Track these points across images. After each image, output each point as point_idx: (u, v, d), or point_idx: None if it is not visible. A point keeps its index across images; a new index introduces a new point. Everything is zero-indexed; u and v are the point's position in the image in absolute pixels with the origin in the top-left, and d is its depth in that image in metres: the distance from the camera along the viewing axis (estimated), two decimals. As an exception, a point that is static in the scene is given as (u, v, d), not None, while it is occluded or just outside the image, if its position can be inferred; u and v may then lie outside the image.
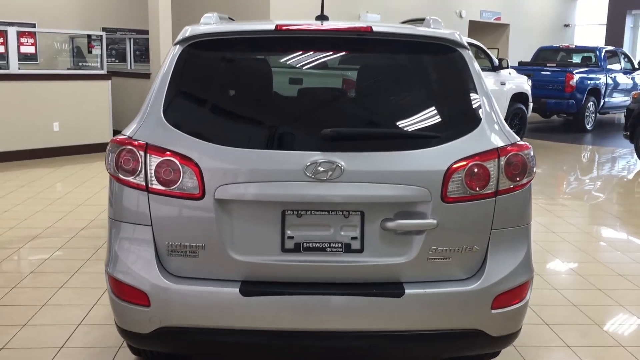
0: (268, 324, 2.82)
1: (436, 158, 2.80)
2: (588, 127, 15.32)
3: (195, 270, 2.85)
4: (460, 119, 2.96)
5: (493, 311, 2.88)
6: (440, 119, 2.97)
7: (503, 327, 2.96)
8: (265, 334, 2.84)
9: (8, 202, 7.18)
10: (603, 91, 15.55)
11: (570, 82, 14.62)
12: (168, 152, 2.78)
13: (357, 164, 2.75)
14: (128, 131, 2.92)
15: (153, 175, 2.79)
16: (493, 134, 2.90)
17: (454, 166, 2.78)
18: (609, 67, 15.94)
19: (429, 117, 2.95)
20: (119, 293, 2.91)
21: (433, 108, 3.00)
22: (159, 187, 2.79)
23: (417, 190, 2.76)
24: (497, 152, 2.84)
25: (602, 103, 15.70)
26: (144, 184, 2.80)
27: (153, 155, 2.79)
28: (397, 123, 2.94)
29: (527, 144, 2.96)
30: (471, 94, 2.97)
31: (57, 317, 4.17)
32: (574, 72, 14.82)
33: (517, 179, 2.87)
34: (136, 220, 2.85)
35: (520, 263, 2.94)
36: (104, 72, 10.86)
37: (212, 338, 2.87)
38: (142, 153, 2.81)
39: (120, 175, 2.84)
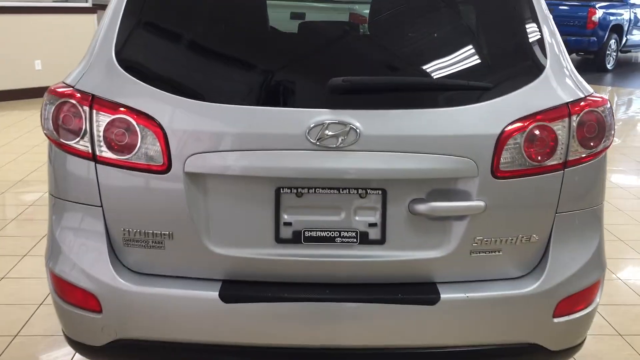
0: (257, 339, 2.13)
1: (485, 118, 2.06)
2: (609, 66, 14.40)
3: (160, 267, 2.16)
4: (517, 64, 2.20)
5: (555, 320, 2.19)
6: (489, 64, 2.21)
7: (565, 340, 2.28)
8: (254, 352, 2.16)
9: (-22, 149, 6.48)
10: (626, 28, 14.58)
11: (593, 18, 13.64)
12: (121, 108, 2.04)
13: (378, 126, 2.01)
14: (69, 78, 2.18)
15: (102, 139, 2.05)
16: (561, 84, 2.15)
17: (510, 129, 2.04)
18: (632, 1, 14.91)
19: (473, 61, 2.19)
20: (63, 294, 2.22)
21: (479, 49, 2.24)
22: (110, 155, 2.06)
23: (459, 162, 2.03)
24: (567, 108, 2.09)
25: (624, 41, 14.75)
26: (89, 150, 2.07)
27: (101, 112, 2.05)
28: (431, 70, 2.18)
29: (604, 97, 2.20)
30: (531, 30, 2.20)
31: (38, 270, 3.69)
32: (597, 6, 13.83)
33: (592, 144, 2.13)
34: (82, 200, 2.13)
35: (592, 256, 2.23)
36: (89, 4, 10.02)
37: (184, 356, 2.19)
38: (86, 109, 2.06)
39: (60, 139, 2.10)
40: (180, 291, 2.11)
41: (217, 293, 2.08)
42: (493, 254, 2.14)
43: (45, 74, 9.32)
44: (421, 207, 2.07)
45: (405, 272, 2.15)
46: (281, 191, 2.07)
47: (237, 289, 2.12)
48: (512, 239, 2.13)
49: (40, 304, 3.42)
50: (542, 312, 2.18)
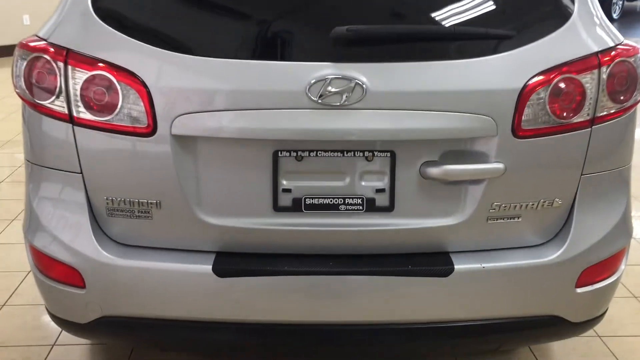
0: (254, 316, 1.96)
1: (505, 71, 1.85)
2: (614, 15, 14.05)
3: (147, 238, 1.97)
4: (541, 10, 1.97)
5: (578, 290, 2.02)
6: (509, 11, 1.99)
7: (587, 311, 2.11)
8: (252, 329, 1.99)
9: (-35, 109, 6.25)
10: (632, -25, 14.22)
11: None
12: (100, 64, 1.83)
13: (386, 81, 1.81)
14: (42, 30, 1.97)
15: (79, 98, 1.85)
16: (590, 31, 1.93)
17: (533, 82, 1.83)
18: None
19: (491, 7, 1.97)
20: (44, 269, 2.04)
21: None
22: (89, 116, 1.85)
23: (476, 121, 1.83)
24: (596, 58, 1.88)
25: (630, -11, 14.40)
26: (65, 111, 1.87)
27: (77, 69, 1.84)
28: (445, 17, 1.95)
29: (636, 45, 1.99)
30: None
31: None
32: (603, -47, 13.42)
33: (622, 98, 1.92)
34: (60, 166, 1.94)
35: (618, 221, 2.05)
36: (78, -45, 9.59)
37: (176, 334, 2.02)
38: (61, 65, 1.85)
39: (34, 98, 1.90)
40: (170, 265, 1.93)
41: (210, 266, 1.91)
42: (512, 220, 1.95)
43: (34, 29, 8.99)
44: (434, 171, 1.87)
45: (416, 242, 1.97)
46: (279, 155, 1.87)
47: (233, 262, 1.94)
48: (532, 204, 1.94)
49: (29, 272, 3.25)
50: (564, 282, 2.00)
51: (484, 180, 1.89)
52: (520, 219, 1.96)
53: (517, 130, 1.85)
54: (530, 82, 1.83)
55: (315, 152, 1.87)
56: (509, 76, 1.84)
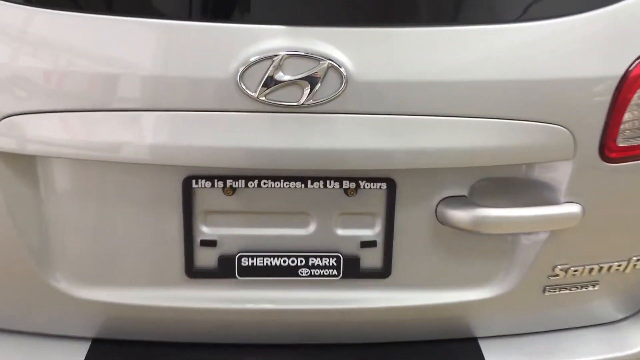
0: None
1: (590, 46, 1.04)
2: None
3: None
4: None
5: None
6: None
7: None
8: None
9: None
10: None
11: None
12: None
13: (381, 62, 0.99)
14: None
15: None
16: None
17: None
18: None
19: None
20: None
21: None
22: None
23: (541, 133, 1.03)
24: None
25: None
26: None
27: None
28: None
29: None
30: None
31: None
32: None
33: None
34: None
35: None
36: None
37: None
38: None
39: None
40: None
41: None
42: (583, 290, 1.19)
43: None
44: (460, 215, 1.08)
45: (426, 326, 1.20)
46: (194, 184, 1.07)
47: (117, 355, 1.16)
48: (619, 264, 1.17)
49: None
50: None
51: (546, 232, 1.11)
52: (596, 287, 1.19)
53: (608, 150, 1.06)
54: (634, 67, 1.03)
55: (256, 181, 1.07)
56: (598, 56, 1.04)
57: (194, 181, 1.06)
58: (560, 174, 1.08)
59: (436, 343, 1.21)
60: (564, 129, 1.03)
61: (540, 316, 1.22)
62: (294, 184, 1.07)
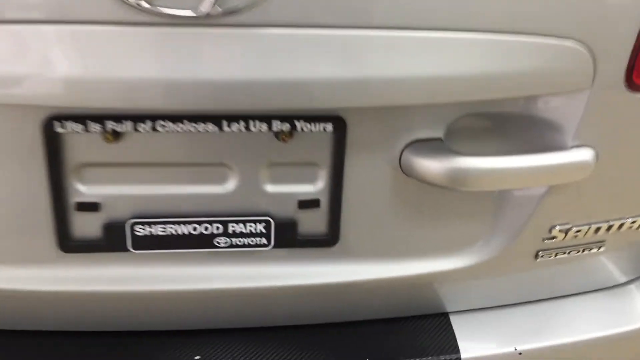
0: None
1: None
2: None
3: None
4: None
5: None
6: None
7: None
8: None
9: None
10: None
11: None
12: None
13: None
14: None
15: None
16: None
17: None
18: None
19: None
20: None
21: None
22: None
23: (548, 52, 0.73)
24: None
25: None
26: None
27: None
28: None
29: None
30: None
31: None
32: None
33: None
34: None
35: None
36: None
37: None
38: None
39: None
40: None
41: None
42: (586, 252, 0.93)
43: None
44: (434, 166, 0.79)
45: (387, 302, 0.93)
46: (58, 127, 0.75)
47: None
48: (633, 220, 0.91)
49: None
50: None
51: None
52: (601, 249, 0.94)
53: (638, 75, 0.77)
54: None
55: (148, 123, 0.75)
56: None
57: (57, 123, 0.74)
58: (571, 109, 0.79)
59: (398, 321, 0.95)
60: (581, 46, 0.74)
61: (531, 284, 0.96)
62: (204, 126, 0.76)
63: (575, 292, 1.00)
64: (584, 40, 0.73)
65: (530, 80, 0.75)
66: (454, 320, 0.95)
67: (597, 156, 0.81)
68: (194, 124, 0.75)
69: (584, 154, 0.80)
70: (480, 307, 0.97)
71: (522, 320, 0.97)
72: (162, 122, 0.75)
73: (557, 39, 0.73)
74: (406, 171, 0.81)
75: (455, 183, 0.78)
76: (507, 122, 0.81)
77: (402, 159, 0.81)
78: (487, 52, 0.72)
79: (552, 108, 0.79)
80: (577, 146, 0.81)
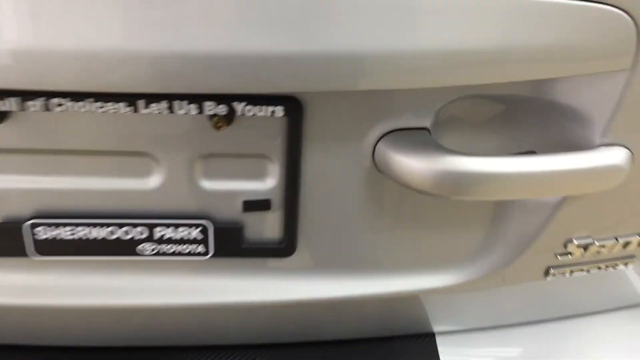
0: None
1: None
2: None
3: None
4: None
5: None
6: None
7: None
8: None
9: None
10: None
11: None
12: None
13: None
14: None
15: None
16: None
17: None
18: None
19: None
20: None
21: None
22: None
23: (578, 22, 0.54)
24: None
25: None
26: None
27: None
28: None
29: None
30: None
31: None
32: None
33: None
34: None
35: None
36: None
37: None
38: None
39: None
40: None
41: None
42: (610, 269, 0.75)
43: None
44: (417, 167, 0.60)
45: (355, 322, 0.76)
46: None
47: None
48: None
49: None
50: None
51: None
52: (628, 266, 0.75)
53: None
54: None
55: (41, 101, 0.57)
56: None
57: None
58: (601, 96, 0.59)
59: (374, 341, 0.79)
60: (622, 13, 0.54)
61: (538, 303, 0.79)
62: (114, 106, 0.58)
63: (592, 311, 0.82)
64: (627, 8, 0.54)
65: (551, 56, 0.55)
66: (441, 341, 0.78)
67: (632, 157, 0.62)
68: (100, 103, 0.57)
69: (616, 156, 0.61)
70: (475, 327, 0.80)
71: (527, 342, 0.80)
72: (59, 100, 0.57)
73: (596, 5, 0.53)
74: (381, 168, 0.62)
75: (443, 190, 0.60)
76: (515, 110, 0.62)
77: (377, 152, 0.62)
78: (492, 16, 0.53)
79: (577, 93, 0.60)
80: (607, 145, 0.61)
